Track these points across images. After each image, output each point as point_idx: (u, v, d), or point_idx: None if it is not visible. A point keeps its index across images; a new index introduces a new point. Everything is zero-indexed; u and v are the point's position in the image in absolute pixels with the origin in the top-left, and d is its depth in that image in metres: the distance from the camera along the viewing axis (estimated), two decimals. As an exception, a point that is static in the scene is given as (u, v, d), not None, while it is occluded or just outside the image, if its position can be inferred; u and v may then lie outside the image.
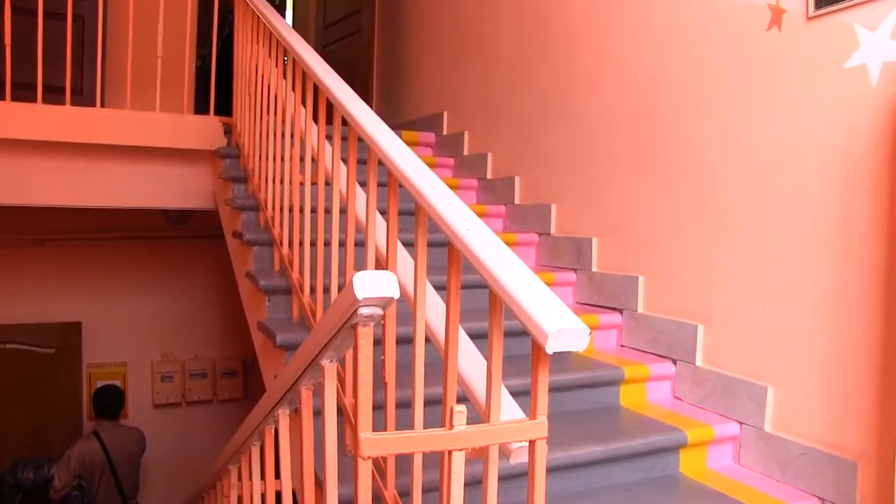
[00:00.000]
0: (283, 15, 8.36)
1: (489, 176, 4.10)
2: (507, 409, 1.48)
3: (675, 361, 2.84)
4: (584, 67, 3.41)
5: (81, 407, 5.53)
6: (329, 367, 1.36)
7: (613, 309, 3.16)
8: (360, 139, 2.03)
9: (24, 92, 3.92)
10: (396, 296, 1.14)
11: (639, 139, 3.07)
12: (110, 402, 4.78)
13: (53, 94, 3.98)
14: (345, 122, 2.18)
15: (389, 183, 1.79)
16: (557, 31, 3.60)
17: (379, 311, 1.16)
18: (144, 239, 5.61)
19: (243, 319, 3.30)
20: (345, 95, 2.20)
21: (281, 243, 2.81)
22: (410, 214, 2.22)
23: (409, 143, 4.45)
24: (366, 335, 1.20)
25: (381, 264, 2.08)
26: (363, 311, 1.16)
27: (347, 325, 1.21)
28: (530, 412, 1.29)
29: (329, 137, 2.36)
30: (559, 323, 1.17)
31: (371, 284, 1.12)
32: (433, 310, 1.79)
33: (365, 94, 5.17)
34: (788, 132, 2.42)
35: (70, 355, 5.50)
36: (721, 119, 2.67)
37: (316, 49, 5.87)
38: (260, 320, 2.77)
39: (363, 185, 2.13)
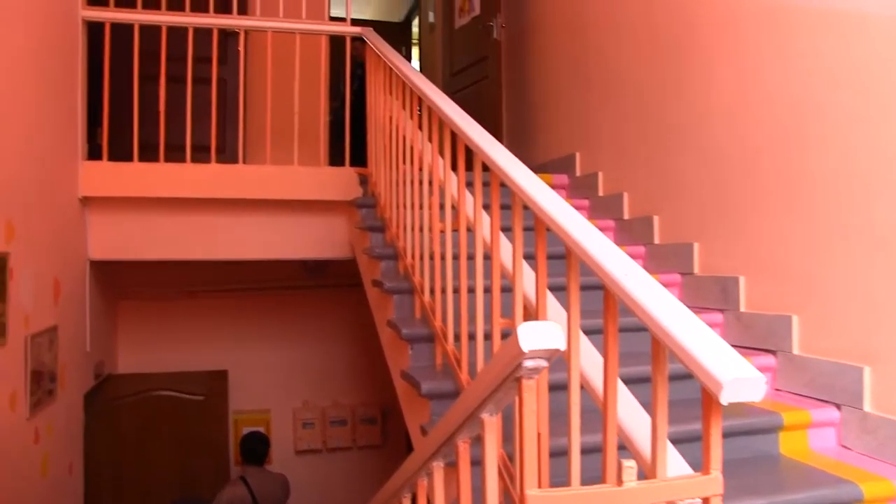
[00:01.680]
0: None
1: (626, 216, 4.01)
2: (671, 461, 1.41)
3: (838, 406, 2.65)
4: (722, 98, 3.30)
5: (228, 452, 5.71)
6: (489, 420, 1.33)
7: (766, 351, 3.00)
8: (502, 184, 2.02)
9: (173, 153, 4.14)
10: (563, 347, 1.10)
11: (784, 169, 2.93)
12: (257, 448, 4.90)
13: (199, 153, 4.20)
14: (485, 168, 2.17)
15: (536, 228, 1.76)
16: (692, 63, 3.51)
17: (544, 364, 1.13)
18: (284, 289, 5.79)
19: (381, 366, 3.33)
20: (484, 141, 2.20)
21: (422, 291, 2.82)
22: (557, 258, 2.19)
23: (543, 187, 4.45)
24: (530, 388, 1.17)
25: (528, 311, 2.05)
26: (528, 363, 1.12)
27: (511, 378, 1.18)
28: (703, 467, 1.22)
29: (469, 184, 2.36)
30: (734, 372, 1.10)
31: (536, 336, 1.09)
32: (587, 356, 1.74)
33: (496, 137, 5.18)
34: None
35: (217, 402, 5.70)
36: (874, 143, 2.50)
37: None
38: (403, 369, 2.78)
39: (506, 230, 2.11)
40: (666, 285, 3.47)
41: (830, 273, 2.70)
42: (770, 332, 2.98)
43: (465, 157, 2.41)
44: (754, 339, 3.06)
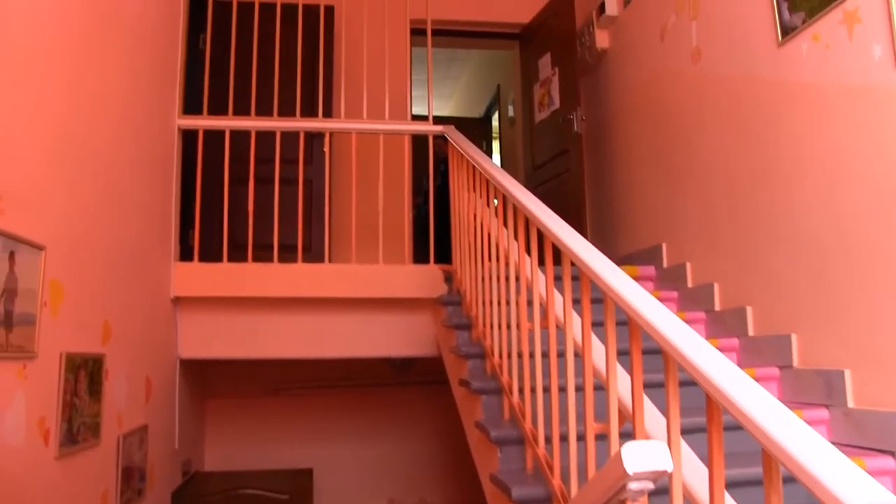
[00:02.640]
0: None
1: (717, 307, 3.89)
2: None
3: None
4: (814, 181, 3.20)
5: (312, 551, 5.61)
6: (593, 541, 1.25)
7: (882, 451, 2.81)
8: (591, 281, 1.97)
9: (260, 252, 4.24)
10: (670, 469, 1.03)
11: (888, 253, 2.79)
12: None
13: (286, 253, 4.28)
14: (573, 264, 2.13)
15: (631, 329, 1.70)
16: (780, 150, 3.43)
17: (650, 486, 1.06)
18: (370, 386, 5.77)
19: (469, 465, 3.25)
20: (571, 238, 2.16)
21: (511, 391, 2.76)
22: (651, 353, 2.11)
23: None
24: (637, 510, 1.09)
25: (623, 413, 1.97)
26: (633, 485, 1.06)
27: (615, 500, 1.11)
28: None
29: (557, 278, 2.32)
30: (868, 498, 1.00)
31: (642, 457, 1.03)
32: (689, 465, 1.64)
33: (579, 230, 5.12)
34: None
35: (302, 501, 5.64)
36: None
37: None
38: (492, 472, 2.69)
39: (598, 324, 2.05)
40: (763, 379, 3.36)
41: (946, 368, 2.54)
42: (885, 430, 2.79)
43: (553, 254, 2.38)
44: (867, 438, 2.88)
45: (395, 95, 5.00)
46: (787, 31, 3.38)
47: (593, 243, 5.14)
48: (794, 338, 3.32)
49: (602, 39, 5.45)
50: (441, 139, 4.47)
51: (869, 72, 2.91)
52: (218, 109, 4.50)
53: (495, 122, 8.90)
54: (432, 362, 4.33)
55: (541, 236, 2.45)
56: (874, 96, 2.87)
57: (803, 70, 3.28)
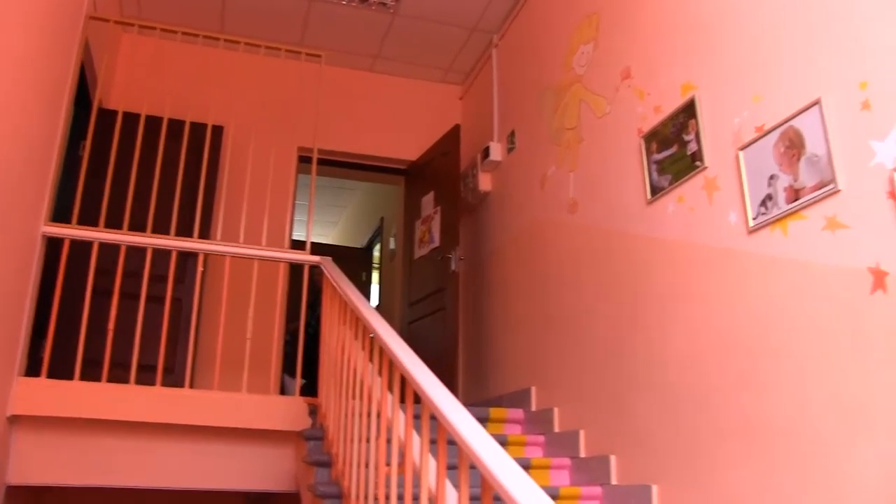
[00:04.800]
0: (369, 292, 8.66)
1: (582, 454, 3.89)
2: None
3: None
4: (678, 340, 3.31)
5: None
6: None
7: None
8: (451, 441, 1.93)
9: (117, 370, 4.01)
10: None
11: (743, 411, 2.87)
12: None
13: (145, 373, 4.06)
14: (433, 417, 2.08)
15: (483, 490, 1.66)
16: (648, 304, 3.55)
17: None
18: (222, 520, 5.43)
19: None
20: (433, 389, 2.12)
21: (364, 538, 2.63)
22: None
23: (497, 421, 4.35)
24: None
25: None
26: None
27: None
28: None
29: (418, 416, 2.26)
30: None
31: None
32: None
33: (451, 369, 5.14)
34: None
35: None
36: (835, 386, 2.47)
37: (401, 326, 5.98)
38: None
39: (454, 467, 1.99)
40: (624, 533, 3.33)
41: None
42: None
43: (415, 399, 2.33)
44: None
45: (275, 221, 4.98)
46: (656, 190, 3.56)
47: (468, 382, 5.09)
48: (654, 489, 3.33)
49: (485, 182, 5.64)
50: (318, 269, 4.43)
51: (726, 236, 3.08)
52: (90, 219, 4.34)
53: (377, 253, 8.95)
54: (292, 498, 4.13)
55: (404, 379, 2.41)
56: (731, 259, 3.03)
57: (670, 228, 3.45)
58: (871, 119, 2.47)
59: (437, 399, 1.99)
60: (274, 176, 4.84)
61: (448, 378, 5.09)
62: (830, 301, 2.54)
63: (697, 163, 3.29)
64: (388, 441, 2.55)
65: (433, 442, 2.12)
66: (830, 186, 2.58)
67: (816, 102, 2.68)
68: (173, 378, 4.53)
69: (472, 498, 1.87)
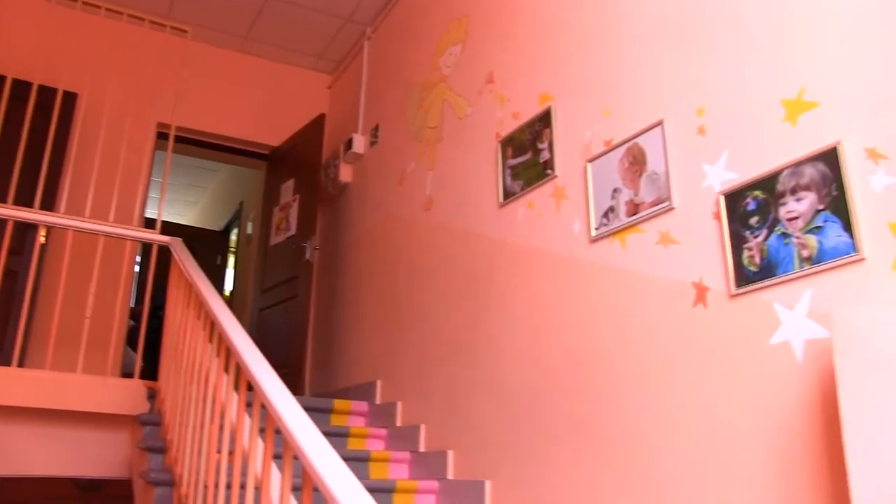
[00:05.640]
0: (223, 277, 8.48)
1: (422, 449, 3.96)
2: None
3: None
4: (517, 340, 3.42)
5: None
6: None
7: None
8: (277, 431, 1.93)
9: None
10: None
11: (574, 414, 3.01)
12: None
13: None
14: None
15: (304, 480, 1.68)
16: (493, 305, 3.65)
17: None
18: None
19: None
20: (269, 386, 2.11)
21: (192, 527, 2.59)
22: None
23: (341, 412, 4.37)
24: None
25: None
26: None
27: None
28: None
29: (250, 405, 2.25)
30: None
31: None
32: None
33: (300, 358, 5.12)
34: (724, 407, 2.38)
35: None
36: (658, 393, 2.64)
37: (252, 313, 5.90)
38: None
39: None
40: (454, 526, 3.42)
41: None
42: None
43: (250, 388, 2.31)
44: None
45: (126, 197, 4.80)
46: (508, 195, 3.67)
47: (315, 373, 5.06)
48: (487, 485, 3.43)
49: (346, 174, 5.63)
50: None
51: (569, 244, 3.21)
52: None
53: (235, 238, 8.77)
54: (125, 486, 3.99)
55: (239, 373, 2.39)
56: (573, 266, 3.17)
57: (519, 233, 3.57)
58: (706, 143, 2.64)
59: (267, 388, 1.99)
60: (128, 150, 4.67)
61: (295, 367, 5.07)
62: (659, 312, 2.70)
63: (549, 171, 3.41)
64: (221, 428, 2.52)
65: (267, 431, 2.11)
66: (666, 203, 2.74)
67: (659, 123, 2.84)
68: (2, 356, 4.29)
69: (296, 488, 1.87)
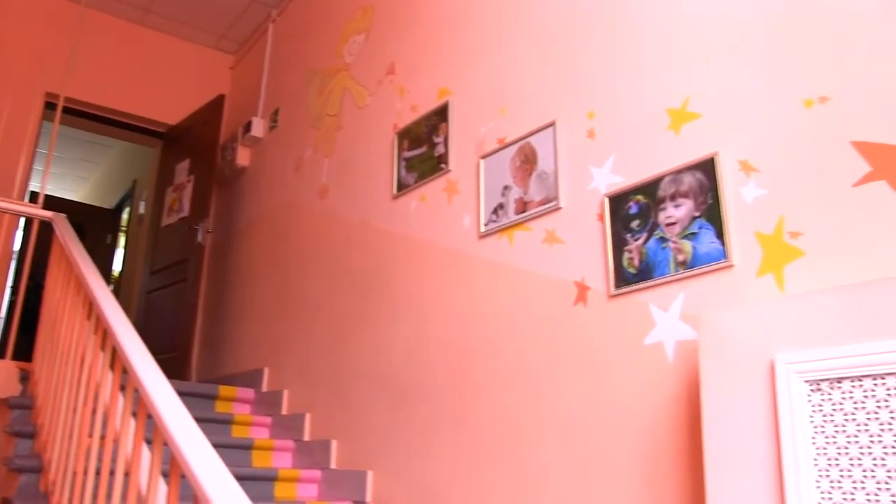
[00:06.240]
0: (113, 256, 8.20)
1: (306, 438, 3.94)
2: None
3: None
4: (404, 332, 3.44)
5: None
6: None
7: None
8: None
9: None
10: None
11: (456, 407, 3.05)
12: None
13: None
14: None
15: (171, 468, 1.65)
16: (381, 296, 3.66)
17: None
18: None
19: None
20: (144, 369, 2.06)
21: (58, 513, 2.51)
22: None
23: (226, 399, 4.30)
24: None
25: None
26: None
27: None
28: None
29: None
30: None
31: None
32: None
33: (187, 342, 5.00)
34: (600, 404, 2.46)
35: None
36: (537, 389, 2.70)
37: (141, 294, 5.73)
38: None
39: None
40: (335, 516, 3.42)
41: (488, 514, 2.78)
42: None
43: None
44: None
45: (6, 168, 4.59)
46: (402, 186, 3.68)
47: (203, 358, 4.94)
48: (369, 475, 3.44)
49: (243, 157, 5.53)
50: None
51: (459, 238, 3.25)
52: None
53: (126, 216, 8.49)
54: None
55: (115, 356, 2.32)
56: (462, 261, 3.20)
57: (411, 225, 3.58)
58: (594, 146, 2.71)
59: (140, 372, 1.94)
60: (11, 120, 4.46)
61: (183, 351, 4.96)
62: (542, 309, 2.76)
63: (443, 165, 3.43)
64: (94, 412, 2.45)
65: (139, 415, 2.06)
66: (553, 203, 2.79)
67: (552, 124, 2.89)
68: None
69: (166, 474, 1.84)
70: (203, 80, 6.29)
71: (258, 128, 5.38)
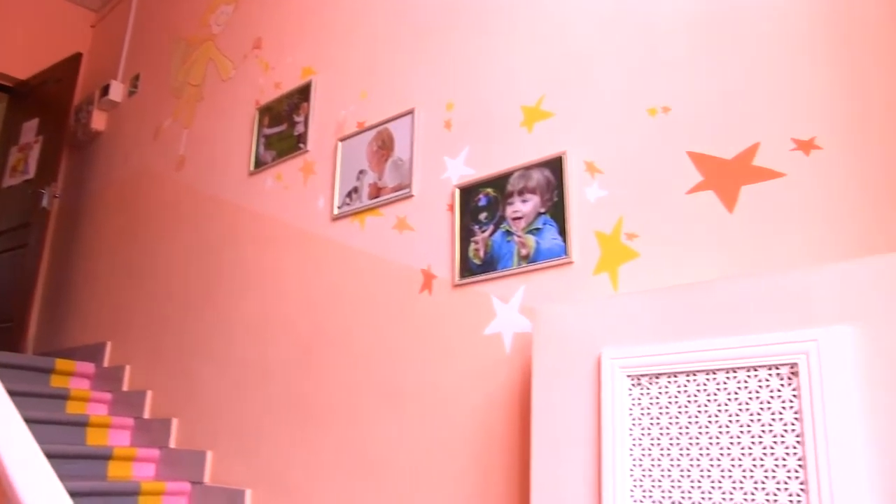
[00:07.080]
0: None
1: (146, 415, 3.82)
2: None
3: None
4: (250, 311, 3.39)
5: None
6: None
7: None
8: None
9: None
10: None
11: (299, 389, 3.03)
12: None
13: None
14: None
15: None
16: (230, 274, 3.59)
17: None
18: None
19: None
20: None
21: None
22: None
23: (63, 373, 4.11)
24: None
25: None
26: None
27: None
28: None
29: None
30: None
31: None
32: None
33: (24, 311, 4.74)
34: (440, 390, 2.50)
35: None
36: (379, 372, 2.72)
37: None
38: None
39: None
40: (175, 494, 3.34)
41: (332, 492, 2.77)
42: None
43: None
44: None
45: None
46: (260, 164, 3.62)
47: (42, 329, 4.73)
48: (209, 455, 3.38)
49: (99, 121, 5.29)
50: None
51: (312, 219, 3.22)
52: None
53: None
54: None
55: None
56: (313, 242, 3.18)
57: (265, 203, 3.52)
58: (450, 137, 2.74)
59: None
60: None
61: (19, 322, 4.70)
62: (389, 295, 2.78)
63: (301, 145, 3.40)
64: None
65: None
66: (406, 190, 2.81)
67: (410, 112, 2.91)
68: None
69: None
70: (60, 35, 5.95)
71: (117, 91, 5.15)
